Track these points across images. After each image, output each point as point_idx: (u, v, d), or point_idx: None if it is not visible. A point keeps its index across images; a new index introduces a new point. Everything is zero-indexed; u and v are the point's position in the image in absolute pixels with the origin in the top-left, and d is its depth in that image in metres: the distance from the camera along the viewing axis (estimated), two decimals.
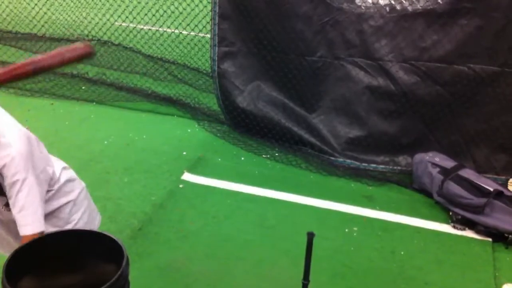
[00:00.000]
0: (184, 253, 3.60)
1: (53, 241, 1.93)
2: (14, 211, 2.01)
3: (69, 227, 2.37)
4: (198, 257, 3.54)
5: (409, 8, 4.33)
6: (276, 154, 4.91)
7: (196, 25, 6.03)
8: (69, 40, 6.88)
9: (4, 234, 2.29)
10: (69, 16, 7.40)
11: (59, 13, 7.34)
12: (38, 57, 2.17)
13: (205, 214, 4.02)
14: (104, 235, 1.95)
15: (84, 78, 6.25)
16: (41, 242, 1.91)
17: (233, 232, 3.82)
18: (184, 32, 6.31)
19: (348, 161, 4.76)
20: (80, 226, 2.41)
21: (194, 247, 3.65)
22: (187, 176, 4.48)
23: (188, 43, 6.31)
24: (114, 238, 1.93)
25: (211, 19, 4.98)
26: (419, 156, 4.46)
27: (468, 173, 4.14)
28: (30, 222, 2.03)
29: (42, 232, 2.04)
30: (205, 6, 5.73)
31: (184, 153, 4.86)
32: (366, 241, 3.79)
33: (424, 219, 4.07)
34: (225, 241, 3.71)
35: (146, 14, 6.66)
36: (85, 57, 2.35)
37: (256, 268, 3.45)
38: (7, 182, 1.98)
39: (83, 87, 6.11)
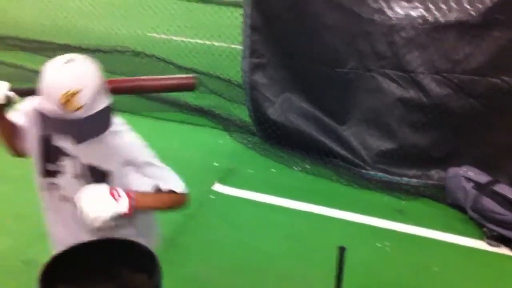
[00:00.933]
0: (214, 264, 3.62)
1: (88, 249, 1.97)
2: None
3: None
4: (227, 268, 3.56)
5: (442, 20, 4.28)
6: (307, 166, 4.90)
7: (228, 37, 6.08)
8: (104, 52, 6.98)
9: (74, 225, 2.17)
10: (104, 27, 7.53)
11: (94, 25, 7.47)
12: (144, 77, 2.32)
13: (235, 225, 4.04)
14: (138, 245, 1.98)
15: None
16: (76, 250, 1.94)
17: (262, 244, 3.83)
18: (216, 44, 6.36)
19: (380, 174, 4.73)
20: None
21: (223, 258, 3.67)
22: (218, 187, 4.51)
23: (219, 55, 6.36)
24: (148, 248, 1.95)
25: (242, 31, 5.02)
26: (452, 170, 4.40)
27: (503, 188, 4.07)
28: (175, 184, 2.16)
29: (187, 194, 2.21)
30: (236, 18, 5.77)
31: (215, 164, 4.90)
32: (399, 256, 3.75)
33: (458, 235, 4.01)
34: (254, 253, 3.73)
35: (179, 26, 6.75)
36: (187, 87, 2.47)
37: (285, 281, 3.45)
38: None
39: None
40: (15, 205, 4.07)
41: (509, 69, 4.23)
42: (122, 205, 1.91)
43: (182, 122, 5.73)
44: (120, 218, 1.95)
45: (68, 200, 2.09)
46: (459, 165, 4.41)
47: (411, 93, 4.52)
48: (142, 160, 2.13)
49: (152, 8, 7.37)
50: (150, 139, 5.51)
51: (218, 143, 5.34)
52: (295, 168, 4.86)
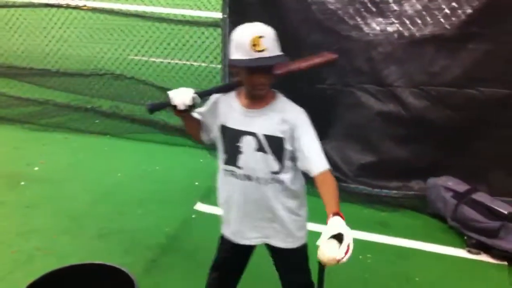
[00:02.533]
0: (199, 284, 3.58)
1: (67, 275, 1.96)
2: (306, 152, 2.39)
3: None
4: None
5: (417, 34, 4.36)
6: None
7: (207, 57, 6.11)
8: (82, 75, 6.98)
9: (250, 206, 2.54)
10: (82, 51, 7.53)
11: (73, 49, 7.47)
12: (296, 60, 2.70)
13: None
14: (118, 269, 1.97)
15: (97, 112, 6.33)
16: (55, 275, 1.94)
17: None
18: (196, 64, 6.39)
19: (361, 187, 4.76)
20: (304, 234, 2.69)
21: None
22: (200, 206, 4.50)
23: (199, 75, 6.39)
24: (127, 272, 1.95)
25: (221, 51, 5.05)
26: (432, 181, 4.44)
27: (482, 196, 4.12)
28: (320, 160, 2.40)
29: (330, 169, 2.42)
30: (215, 38, 5.82)
31: (197, 183, 4.90)
32: (381, 268, 3.76)
33: (439, 244, 4.04)
34: None
35: (157, 48, 6.77)
36: (331, 62, 2.84)
37: None
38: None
39: (97, 121, 6.19)
40: None
41: (485, 80, 4.30)
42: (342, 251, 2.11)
43: (163, 143, 5.74)
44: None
45: (249, 178, 2.46)
46: (439, 175, 4.46)
47: (390, 107, 4.57)
48: (305, 126, 2.42)
49: (132, 32, 7.40)
50: (132, 161, 5.54)
51: (199, 162, 5.34)
52: None
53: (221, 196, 2.66)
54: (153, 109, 2.49)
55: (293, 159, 2.43)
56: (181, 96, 2.36)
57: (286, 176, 2.46)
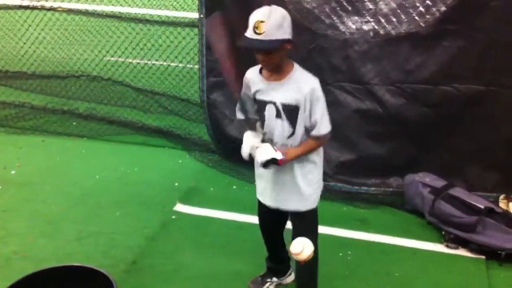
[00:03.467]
0: (179, 285, 3.58)
1: (45, 277, 1.94)
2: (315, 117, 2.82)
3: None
4: None
5: (393, 32, 4.38)
6: None
7: (184, 57, 6.09)
8: (59, 77, 6.92)
9: (271, 175, 3.01)
10: (57, 53, 7.45)
11: (48, 51, 7.39)
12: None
13: (199, 245, 4.01)
14: (96, 271, 1.96)
15: (75, 114, 6.27)
16: (33, 278, 1.92)
17: (228, 262, 3.81)
18: (173, 64, 6.37)
19: (340, 184, 4.78)
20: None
21: (189, 278, 3.64)
22: (180, 207, 4.49)
23: (176, 75, 6.36)
24: (106, 274, 1.94)
25: (198, 51, 5.04)
26: (409, 177, 4.48)
27: (458, 191, 4.17)
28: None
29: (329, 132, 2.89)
30: (192, 39, 5.80)
31: (176, 184, 4.87)
32: (361, 264, 3.79)
33: (418, 240, 4.08)
34: (220, 272, 3.71)
35: (134, 48, 6.73)
36: None
37: None
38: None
39: (74, 123, 6.13)
40: None
41: (461, 76, 4.35)
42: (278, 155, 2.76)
43: (141, 144, 5.69)
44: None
45: (271, 142, 2.88)
46: (417, 172, 4.49)
47: (367, 105, 4.60)
48: (317, 94, 2.80)
49: (108, 33, 7.34)
50: (110, 163, 5.52)
51: (178, 163, 5.31)
52: None
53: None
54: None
55: (305, 123, 2.83)
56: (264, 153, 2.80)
57: (297, 140, 2.86)
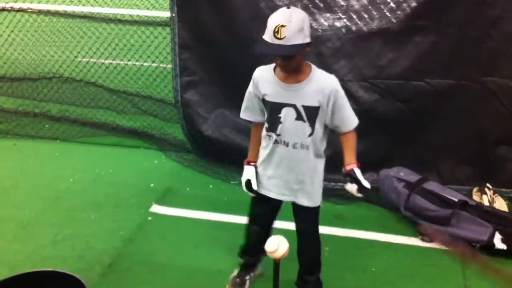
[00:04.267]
0: (156, 287, 3.56)
1: (18, 283, 1.91)
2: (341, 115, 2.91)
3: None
4: None
5: (365, 29, 4.41)
6: None
7: (157, 57, 6.05)
8: (30, 79, 6.81)
9: (286, 173, 3.04)
10: (28, 55, 7.34)
11: (18, 53, 7.28)
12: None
13: (176, 245, 3.99)
14: (70, 276, 1.93)
15: (47, 116, 6.18)
16: (6, 285, 1.88)
17: (205, 262, 3.80)
18: (146, 64, 6.32)
19: None
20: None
21: (166, 279, 3.62)
22: (156, 208, 4.46)
23: (150, 75, 6.32)
24: (79, 278, 1.91)
25: (171, 50, 5.01)
26: (384, 172, 4.51)
27: (432, 185, 4.21)
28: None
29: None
30: (165, 38, 5.76)
31: (152, 185, 4.84)
32: (338, 260, 3.81)
33: (394, 234, 4.12)
34: (198, 272, 3.69)
35: (106, 49, 6.66)
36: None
37: None
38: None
39: (46, 125, 6.04)
40: None
41: (432, 71, 4.40)
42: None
43: (115, 145, 5.63)
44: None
45: (286, 144, 2.91)
46: (391, 167, 4.53)
47: None
48: (340, 92, 2.83)
49: (79, 33, 7.26)
50: (84, 165, 5.44)
51: (154, 163, 5.27)
52: (233, 182, 4.86)
53: (261, 156, 3.08)
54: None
55: (324, 122, 2.89)
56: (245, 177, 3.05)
57: (317, 137, 2.93)
